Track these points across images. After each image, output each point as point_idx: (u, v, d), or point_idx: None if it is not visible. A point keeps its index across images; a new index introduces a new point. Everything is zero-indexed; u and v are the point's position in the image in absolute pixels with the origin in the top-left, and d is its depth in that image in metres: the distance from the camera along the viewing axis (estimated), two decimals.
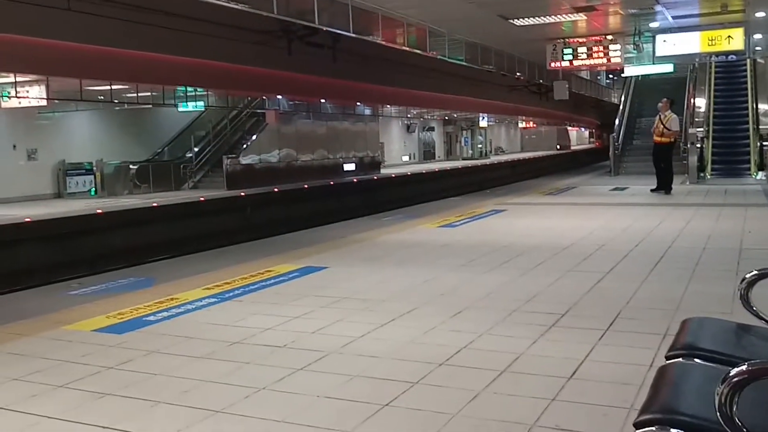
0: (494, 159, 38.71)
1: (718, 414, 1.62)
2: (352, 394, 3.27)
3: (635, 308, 4.74)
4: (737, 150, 17.65)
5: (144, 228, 14.58)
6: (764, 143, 16.23)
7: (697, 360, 2.23)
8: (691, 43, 14.84)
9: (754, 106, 18.39)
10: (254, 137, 21.34)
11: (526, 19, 13.94)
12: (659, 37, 15.09)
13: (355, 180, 23.34)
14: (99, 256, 12.68)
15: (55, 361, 3.93)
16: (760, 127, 17.30)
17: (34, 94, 15.08)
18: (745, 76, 19.90)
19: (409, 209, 13.56)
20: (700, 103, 18.98)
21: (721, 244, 7.27)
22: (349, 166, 24.83)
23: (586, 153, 48.82)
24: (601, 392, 3.20)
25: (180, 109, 20.26)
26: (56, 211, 14.03)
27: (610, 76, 41.51)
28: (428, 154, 36.98)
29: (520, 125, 48.39)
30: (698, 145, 16.12)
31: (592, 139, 61.36)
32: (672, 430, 1.75)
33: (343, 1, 11.51)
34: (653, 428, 1.78)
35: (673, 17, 14.36)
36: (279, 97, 21.79)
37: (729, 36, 14.37)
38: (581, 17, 13.98)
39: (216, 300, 5.35)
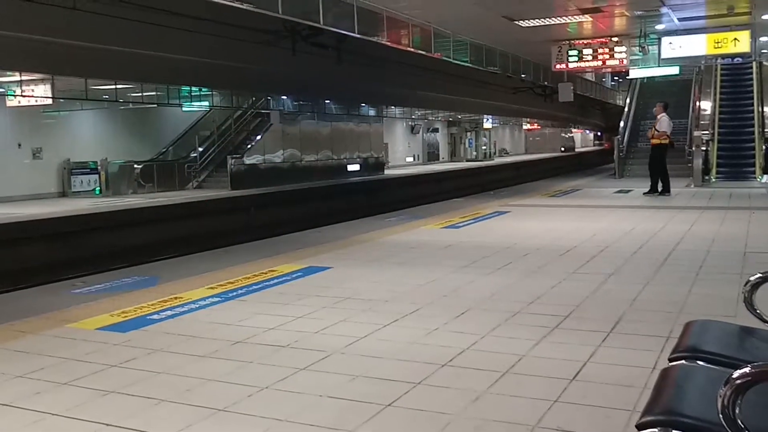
0: (498, 160, 38.72)
1: (720, 416, 1.62)
2: (355, 394, 3.28)
3: (638, 310, 4.74)
4: (742, 153, 17.61)
5: (148, 227, 14.61)
6: None
7: (700, 362, 2.23)
8: (696, 46, 14.82)
9: (760, 109, 18.35)
10: (259, 137, 21.38)
11: (532, 20, 13.93)
12: (665, 39, 15.07)
13: (358, 180, 23.36)
14: (103, 254, 12.71)
15: (59, 358, 3.94)
16: (766, 130, 17.26)
17: (40, 93, 15.13)
18: (751, 79, 19.87)
19: (412, 210, 13.56)
20: (706, 105, 18.94)
21: (725, 247, 7.25)
22: (353, 167, 24.87)
23: (591, 155, 48.79)
24: (603, 394, 3.20)
25: (184, 108, 20.32)
26: (60, 209, 14.08)
27: (616, 78, 41.47)
28: (432, 156, 37.00)
29: (525, 127, 48.39)
30: (703, 148, 16.09)
31: (597, 142, 61.33)
32: None
33: (348, 2, 11.52)
34: (655, 430, 1.78)
35: (679, 19, 14.35)
36: (284, 97, 21.82)
37: (735, 38, 14.35)
38: (587, 19, 13.97)
39: (219, 299, 5.36)
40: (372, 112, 26.69)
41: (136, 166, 19.11)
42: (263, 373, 3.60)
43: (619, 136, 20.04)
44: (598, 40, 15.94)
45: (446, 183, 26.79)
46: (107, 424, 3.00)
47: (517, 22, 14.02)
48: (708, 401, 1.72)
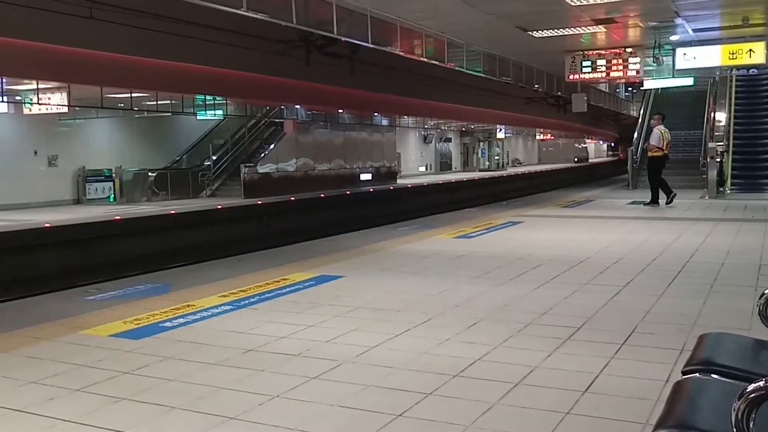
0: (511, 171, 38.63)
1: (734, 430, 1.60)
2: (366, 404, 3.27)
3: (652, 323, 4.70)
4: (758, 164, 17.49)
5: (162, 234, 14.69)
6: None
7: (713, 375, 2.21)
8: (711, 57, 14.74)
9: None
10: (272, 146, 21.46)
11: (545, 31, 13.92)
12: (679, 50, 15.00)
13: (371, 190, 23.38)
14: (116, 261, 12.79)
15: (72, 365, 3.96)
16: None
17: (56, 101, 15.27)
18: (767, 90, 19.74)
19: (425, 219, 13.55)
20: (721, 117, 18.83)
21: (740, 260, 7.19)
22: (366, 176, 24.90)
23: (604, 166, 48.60)
24: (616, 407, 3.18)
25: (198, 117, 20.44)
26: (76, 216, 14.18)
27: (629, 89, 41.32)
28: (445, 165, 36.99)
29: (538, 137, 48.28)
30: (718, 160, 15.99)
31: (610, 153, 61.07)
32: None
33: (362, 12, 11.56)
34: None
35: (694, 30, 14.28)
36: (297, 106, 21.90)
37: (750, 49, 14.26)
38: (601, 30, 13.94)
39: (232, 307, 5.37)
40: (385, 122, 26.73)
41: (150, 174, 19.23)
42: (274, 382, 3.60)
43: (632, 147, 19.95)
44: (612, 50, 15.89)
45: (459, 193, 26.76)
46: (119, 431, 3.01)
47: (530, 33, 14.01)
48: (722, 415, 1.70)
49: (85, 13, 10.11)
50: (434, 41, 14.25)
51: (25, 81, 14.46)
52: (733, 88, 20.14)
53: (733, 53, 14.47)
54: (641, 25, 13.82)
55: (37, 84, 14.72)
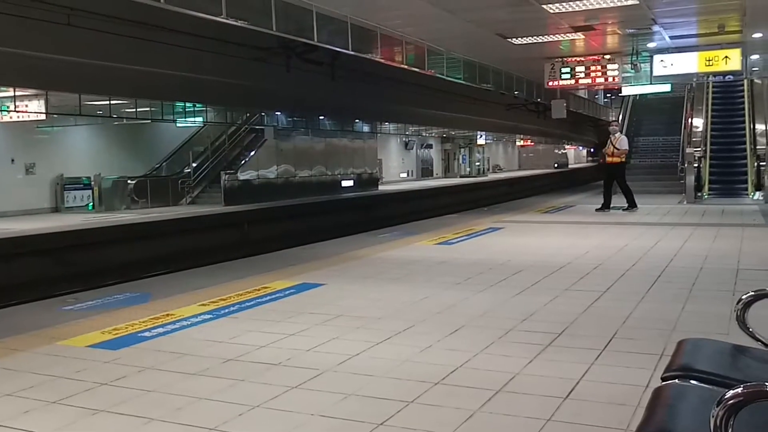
0: (492, 177, 38.81)
1: None
2: (347, 413, 3.25)
3: (632, 328, 4.73)
4: (735, 170, 17.70)
5: (141, 243, 14.56)
6: (761, 163, 16.29)
7: (693, 381, 2.22)
8: (688, 63, 14.93)
9: (751, 127, 18.47)
10: (253, 153, 21.40)
11: (525, 38, 14.02)
12: (657, 57, 15.18)
13: (352, 196, 23.36)
14: (95, 270, 12.65)
15: (49, 376, 3.91)
16: (757, 147, 17.37)
17: (33, 108, 15.12)
18: (742, 97, 20.02)
19: (406, 226, 13.56)
20: (698, 122, 19.06)
21: (718, 264, 7.27)
22: (348, 183, 24.89)
23: (584, 171, 48.92)
24: (596, 413, 3.19)
25: (178, 124, 20.33)
26: (53, 225, 14.02)
27: (608, 95, 41.68)
28: (426, 171, 37.08)
29: (518, 143, 48.57)
30: (695, 165, 16.17)
31: (590, 158, 61.53)
32: None
33: (342, 19, 11.57)
34: None
35: (671, 37, 14.46)
36: (278, 113, 21.86)
37: (726, 56, 14.46)
38: (579, 37, 14.06)
39: (211, 316, 5.33)
40: (366, 128, 26.76)
41: (129, 181, 19.08)
42: (255, 392, 3.57)
43: None
44: (591, 57, 16.04)
45: (440, 199, 26.82)
46: None
47: (510, 40, 14.10)
48: (701, 421, 1.71)
49: (62, 20, 10.03)
50: (414, 48, 14.29)
51: (2, 88, 14.30)
52: (710, 95, 20.40)
53: (709, 60, 14.66)
54: (619, 32, 13.97)
55: (14, 91, 14.57)
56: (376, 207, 23.21)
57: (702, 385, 2.19)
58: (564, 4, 11.10)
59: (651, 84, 18.38)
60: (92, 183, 18.60)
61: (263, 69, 14.14)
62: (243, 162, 21.06)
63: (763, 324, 2.56)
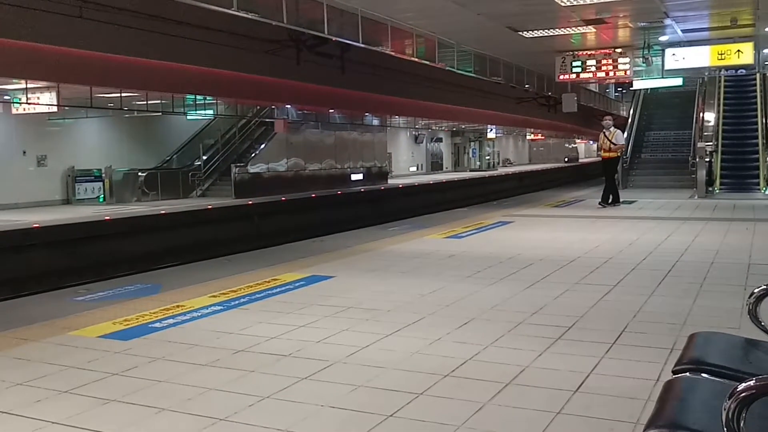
0: (502, 171, 38.70)
1: (724, 429, 1.60)
2: (357, 404, 3.26)
3: (642, 322, 4.72)
4: (747, 164, 17.58)
5: (152, 235, 14.62)
6: None
7: (704, 375, 2.22)
8: (700, 57, 14.82)
9: (764, 121, 18.32)
10: (263, 146, 21.41)
11: (535, 31, 13.95)
12: (668, 51, 15.07)
13: (362, 190, 23.36)
14: (106, 262, 12.72)
15: (61, 366, 3.93)
16: None
17: (45, 101, 15.17)
18: (755, 90, 19.85)
19: (416, 219, 13.55)
20: (710, 117, 18.93)
21: (729, 259, 7.23)
22: (357, 176, 24.88)
23: (594, 165, 48.68)
24: (606, 406, 3.18)
25: (189, 117, 20.36)
26: (65, 217, 14.10)
27: (619, 89, 41.50)
28: (436, 165, 37.01)
29: (528, 137, 48.39)
30: (707, 159, 16.07)
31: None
32: None
33: (353, 12, 11.55)
34: None
35: (683, 31, 14.35)
36: (288, 106, 21.85)
37: (738, 50, 14.34)
38: (590, 30, 13.98)
39: (222, 308, 5.35)
40: (376, 122, 26.72)
41: (140, 174, 19.14)
42: (264, 383, 3.59)
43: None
44: (602, 51, 15.95)
45: (449, 193, 26.78)
46: None
47: (520, 33, 14.04)
48: (712, 414, 1.70)
49: (75, 12, 10.06)
50: (425, 41, 14.25)
51: (14, 80, 14.36)
52: (722, 89, 20.25)
53: (721, 54, 14.55)
54: (631, 25, 13.87)
55: (26, 83, 14.62)
56: (385, 200, 23.19)
57: (713, 378, 2.18)
58: None
59: (663, 78, 18.26)
60: (103, 175, 18.68)
61: (273, 61, 14.13)
62: (253, 155, 21.08)
63: None
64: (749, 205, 13.60)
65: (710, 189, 16.13)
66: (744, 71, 18.86)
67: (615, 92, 42.45)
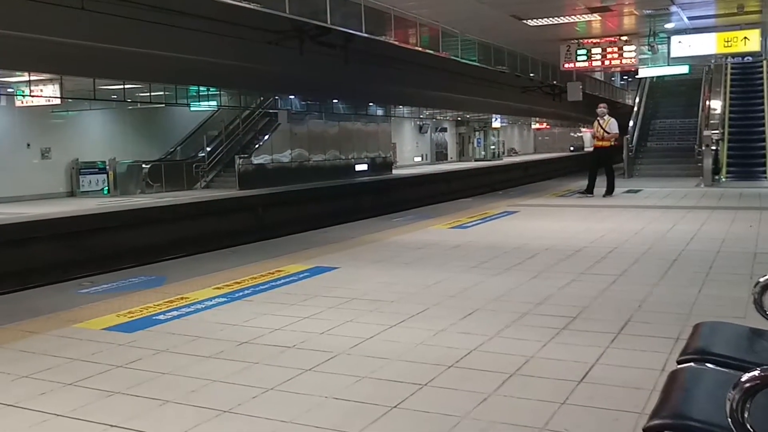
0: (507, 160, 38.63)
1: (729, 420, 1.59)
2: (361, 396, 3.26)
3: (647, 312, 4.70)
4: (753, 153, 17.47)
5: (156, 227, 14.64)
6: None
7: (709, 365, 2.20)
8: (706, 45, 14.73)
9: None
10: (266, 137, 21.41)
11: (540, 19, 13.88)
12: (674, 38, 14.98)
13: (366, 180, 23.35)
14: (110, 254, 12.74)
15: (65, 359, 3.94)
16: None
17: (48, 93, 15.18)
18: (762, 78, 19.70)
19: (420, 210, 13.52)
20: (716, 105, 18.81)
21: (735, 248, 7.20)
22: (361, 167, 24.87)
23: None
24: (611, 396, 3.17)
25: (192, 108, 20.36)
26: (69, 209, 14.12)
27: (625, 77, 41.28)
28: (440, 155, 36.95)
29: (534, 126, 48.27)
30: (713, 148, 15.98)
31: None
32: None
33: (356, 1, 11.51)
34: None
35: (689, 18, 14.26)
36: (291, 96, 21.83)
37: (745, 37, 14.26)
38: (595, 18, 13.90)
39: (226, 300, 5.35)
40: (380, 112, 26.67)
41: (144, 165, 19.17)
42: (269, 374, 3.58)
43: (628, 136, 19.91)
44: (607, 39, 15.87)
45: (454, 183, 26.75)
46: (112, 425, 2.99)
47: (525, 21, 13.97)
48: (717, 404, 1.69)
49: (77, 4, 10.04)
50: (428, 30, 14.20)
51: (17, 73, 14.37)
52: (728, 76, 20.10)
53: (728, 41, 14.46)
54: (636, 13, 13.80)
55: (29, 76, 14.63)
56: (390, 191, 23.18)
57: (718, 368, 2.17)
58: None
59: (669, 65, 18.16)
60: (107, 167, 18.71)
61: (277, 52, 14.10)
62: (257, 146, 21.08)
63: None
64: (756, 193, 13.53)
65: (716, 177, 16.05)
66: (751, 58, 18.75)
67: (621, 80, 42.24)
